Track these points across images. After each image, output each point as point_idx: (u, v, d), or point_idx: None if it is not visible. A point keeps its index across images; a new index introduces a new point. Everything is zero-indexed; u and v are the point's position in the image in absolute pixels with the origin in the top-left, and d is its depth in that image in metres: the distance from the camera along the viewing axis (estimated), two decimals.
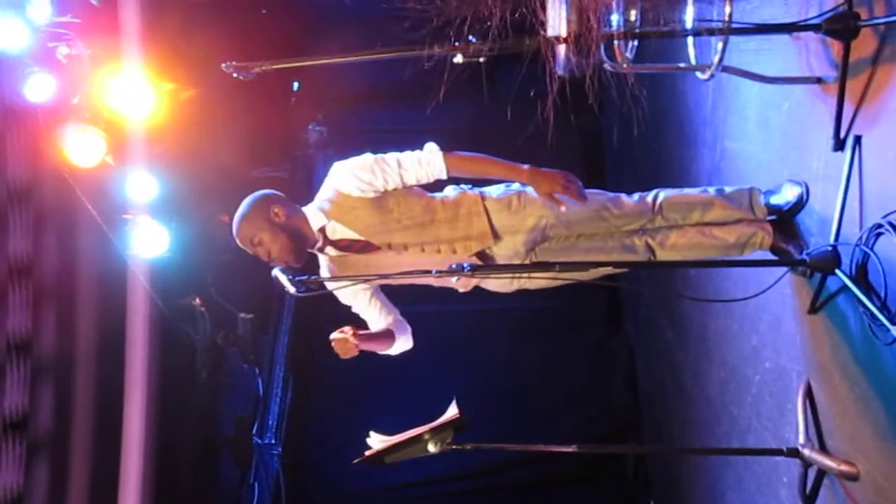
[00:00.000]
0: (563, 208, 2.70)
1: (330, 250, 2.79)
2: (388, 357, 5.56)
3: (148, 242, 4.39)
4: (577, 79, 2.67)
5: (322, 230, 2.75)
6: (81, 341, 3.96)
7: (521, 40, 2.30)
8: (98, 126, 3.93)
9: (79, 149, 3.83)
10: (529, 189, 2.75)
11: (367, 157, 2.68)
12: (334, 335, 2.65)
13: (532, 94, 2.49)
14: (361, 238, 2.74)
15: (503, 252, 2.79)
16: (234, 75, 2.33)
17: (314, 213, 2.74)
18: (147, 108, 4.20)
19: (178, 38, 4.82)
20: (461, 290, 2.86)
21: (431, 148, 2.69)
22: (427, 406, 2.62)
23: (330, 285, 2.61)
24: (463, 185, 2.83)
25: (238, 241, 2.72)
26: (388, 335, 2.90)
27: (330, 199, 2.72)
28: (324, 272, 2.84)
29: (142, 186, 4.40)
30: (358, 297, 2.88)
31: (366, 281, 2.55)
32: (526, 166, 2.68)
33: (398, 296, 3.00)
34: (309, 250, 2.78)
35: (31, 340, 3.62)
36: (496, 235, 2.75)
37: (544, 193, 2.67)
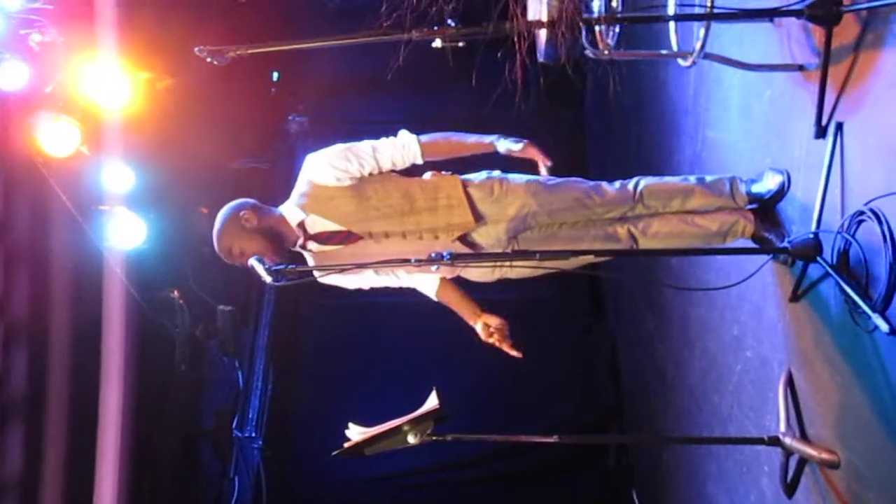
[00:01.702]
0: (534, 198, 2.74)
1: (312, 245, 2.77)
2: (370, 348, 5.54)
3: (124, 234, 4.34)
4: (558, 65, 2.64)
5: (301, 225, 2.72)
6: (56, 336, 3.89)
7: (500, 25, 2.26)
8: (73, 115, 3.88)
9: (52, 138, 3.78)
10: (511, 176, 2.76)
11: (339, 146, 2.69)
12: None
13: (499, 54, 2.46)
14: (342, 229, 2.71)
15: (485, 240, 2.77)
16: (209, 60, 2.28)
17: (291, 210, 2.72)
18: (123, 98, 4.15)
19: (154, 26, 4.75)
20: (448, 276, 2.84)
21: (405, 134, 2.72)
22: (408, 397, 2.60)
23: (306, 274, 2.57)
24: (444, 172, 2.81)
25: (223, 258, 2.70)
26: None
27: (306, 193, 2.71)
28: (311, 261, 2.81)
29: (118, 177, 4.35)
30: (366, 280, 2.86)
31: (342, 270, 2.52)
32: (493, 137, 2.74)
33: (384, 287, 2.97)
34: (292, 249, 2.75)
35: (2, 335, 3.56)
36: (479, 218, 2.73)
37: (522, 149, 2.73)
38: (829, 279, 2.43)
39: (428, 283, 2.87)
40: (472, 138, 2.76)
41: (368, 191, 2.69)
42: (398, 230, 2.70)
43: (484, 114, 3.44)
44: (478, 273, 2.81)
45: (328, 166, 2.66)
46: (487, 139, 2.75)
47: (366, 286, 2.90)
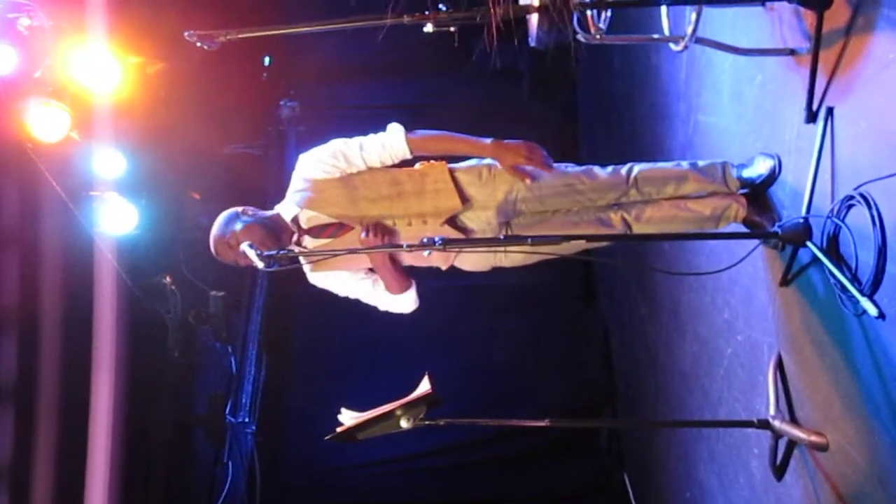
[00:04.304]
0: (527, 181, 2.72)
1: (307, 241, 2.80)
2: (363, 333, 5.56)
3: (116, 220, 4.32)
4: (550, 50, 2.64)
5: (295, 220, 2.77)
6: (46, 322, 3.88)
7: (491, 10, 2.25)
8: (62, 100, 3.85)
9: (42, 123, 3.75)
10: (496, 163, 2.74)
11: (331, 142, 2.71)
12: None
13: (492, 40, 2.43)
14: (334, 220, 2.74)
15: (476, 225, 2.78)
16: (199, 44, 2.27)
17: (285, 207, 2.78)
18: (113, 82, 4.13)
19: (145, 10, 4.71)
20: (443, 267, 2.85)
21: (394, 129, 2.70)
22: (400, 382, 2.61)
23: (301, 259, 2.59)
24: (432, 160, 2.81)
25: (221, 258, 2.71)
26: (406, 278, 2.87)
27: (298, 189, 2.75)
28: (306, 267, 2.82)
29: (109, 162, 4.33)
30: (359, 290, 2.88)
31: (334, 255, 2.53)
32: (488, 140, 2.70)
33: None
34: (289, 246, 2.77)
35: None
36: (465, 200, 2.74)
37: (508, 166, 2.69)
38: (819, 263, 2.45)
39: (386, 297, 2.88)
40: (467, 143, 2.71)
41: (356, 181, 2.72)
42: (388, 216, 2.71)
43: (476, 102, 3.42)
44: (471, 263, 2.83)
45: (317, 161, 2.69)
46: (483, 147, 2.70)
47: (353, 295, 2.93)
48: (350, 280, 2.88)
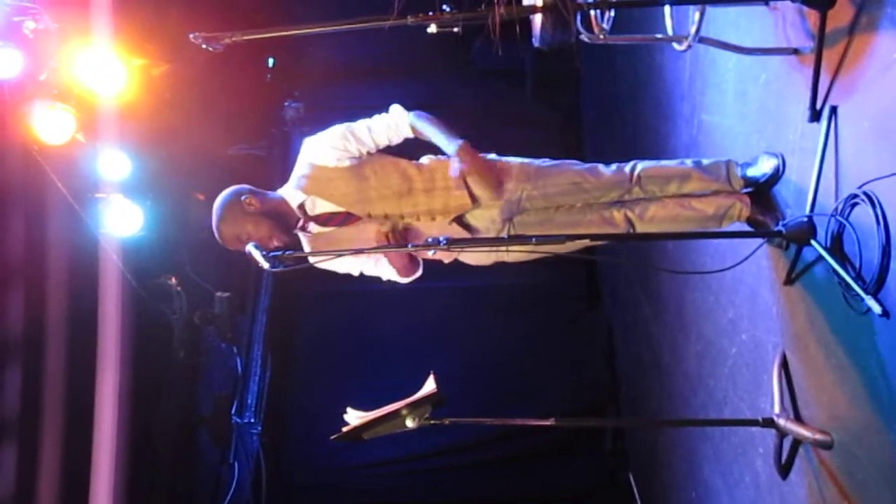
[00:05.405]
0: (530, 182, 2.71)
1: (312, 227, 2.79)
2: (367, 333, 5.56)
3: (121, 221, 4.35)
4: (553, 51, 2.64)
5: (301, 207, 2.75)
6: (52, 323, 3.89)
7: (495, 10, 2.26)
8: (68, 102, 3.87)
9: (48, 126, 3.78)
10: (505, 159, 2.78)
11: (338, 126, 2.72)
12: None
13: (495, 40, 2.43)
14: (342, 210, 2.73)
15: (480, 223, 2.79)
16: (204, 46, 2.28)
17: (291, 192, 2.74)
18: (118, 84, 4.14)
19: (149, 12, 4.73)
20: (445, 260, 2.86)
21: (396, 110, 2.74)
22: (405, 382, 2.61)
23: (303, 260, 2.59)
24: (440, 156, 2.82)
25: (227, 246, 2.68)
26: (416, 262, 2.88)
27: (306, 175, 2.73)
28: (306, 246, 2.82)
29: (114, 164, 4.35)
30: (362, 265, 2.88)
31: (339, 255, 2.53)
32: (459, 141, 2.64)
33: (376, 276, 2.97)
34: (294, 231, 2.77)
35: None
36: (475, 199, 2.74)
37: (460, 173, 2.62)
38: (823, 262, 2.45)
39: (391, 271, 2.88)
40: (439, 136, 2.68)
41: (367, 171, 2.72)
42: (396, 212, 2.72)
43: (480, 101, 3.42)
44: (474, 257, 2.83)
45: (328, 147, 2.69)
46: (450, 144, 2.65)
47: (356, 272, 2.91)
48: (352, 259, 2.86)
